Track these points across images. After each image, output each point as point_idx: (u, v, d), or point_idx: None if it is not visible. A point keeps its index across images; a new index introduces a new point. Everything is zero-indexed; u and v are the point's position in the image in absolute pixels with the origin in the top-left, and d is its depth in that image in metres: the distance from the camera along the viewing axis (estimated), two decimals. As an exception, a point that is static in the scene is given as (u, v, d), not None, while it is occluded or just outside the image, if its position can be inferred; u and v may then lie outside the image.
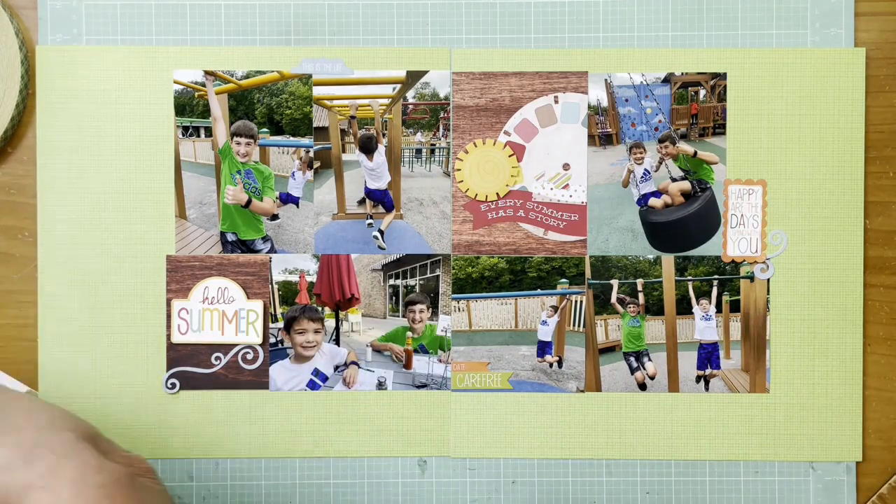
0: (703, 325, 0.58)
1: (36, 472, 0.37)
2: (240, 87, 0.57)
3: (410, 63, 0.57)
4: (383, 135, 0.58)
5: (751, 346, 0.57)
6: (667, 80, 0.57)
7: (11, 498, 0.37)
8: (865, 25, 0.57)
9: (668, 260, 0.57)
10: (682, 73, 0.57)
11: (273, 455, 0.57)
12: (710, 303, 0.58)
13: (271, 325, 0.57)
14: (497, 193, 0.57)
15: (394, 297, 0.58)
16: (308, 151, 0.58)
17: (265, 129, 0.57)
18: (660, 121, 0.58)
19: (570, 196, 0.57)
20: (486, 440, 0.57)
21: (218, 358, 0.57)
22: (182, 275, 0.57)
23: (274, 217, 0.58)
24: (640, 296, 0.58)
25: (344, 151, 0.58)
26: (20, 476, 0.37)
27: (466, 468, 0.57)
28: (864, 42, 0.57)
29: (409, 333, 0.58)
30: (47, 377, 0.56)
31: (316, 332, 0.57)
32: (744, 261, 0.57)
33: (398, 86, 0.57)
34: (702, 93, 0.57)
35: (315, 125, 0.57)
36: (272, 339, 0.57)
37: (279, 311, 0.57)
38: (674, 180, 0.58)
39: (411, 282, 0.58)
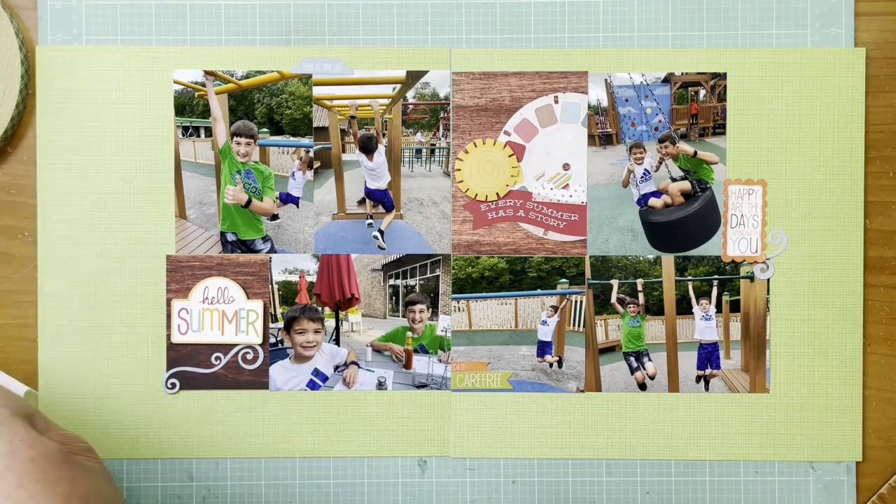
0: (703, 325, 0.58)
1: None
2: (240, 87, 0.57)
3: (410, 63, 0.57)
4: (383, 135, 0.58)
5: (751, 346, 0.57)
6: (667, 80, 0.57)
7: None
8: (865, 25, 0.57)
9: (668, 260, 0.57)
10: (682, 73, 0.57)
11: (273, 455, 0.57)
12: (710, 303, 0.58)
13: (271, 325, 0.57)
14: (497, 193, 0.57)
15: (394, 297, 0.58)
16: (308, 151, 0.58)
17: (265, 129, 0.57)
18: (660, 121, 0.58)
19: (570, 196, 0.57)
20: (486, 440, 0.57)
21: (218, 358, 0.57)
22: (182, 275, 0.57)
23: (274, 217, 0.58)
24: (640, 296, 0.58)
25: (344, 151, 0.58)
26: None
27: (466, 468, 0.57)
28: (864, 42, 0.57)
29: (409, 333, 0.58)
30: (47, 377, 0.56)
31: (316, 332, 0.57)
32: (744, 261, 0.57)
33: (398, 86, 0.57)
34: (702, 93, 0.57)
35: (315, 125, 0.57)
36: (272, 339, 0.57)
37: (279, 311, 0.57)
38: (674, 180, 0.58)
39: (411, 282, 0.58)
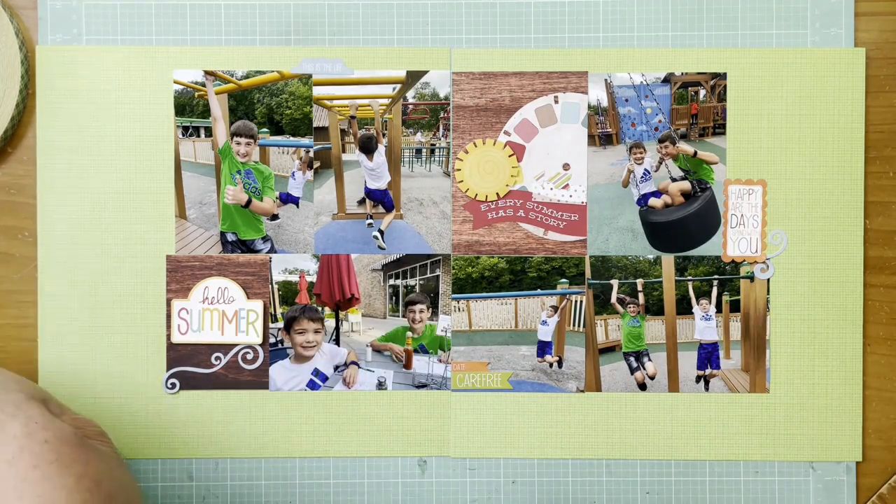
0: (703, 325, 0.58)
1: None
2: (240, 87, 0.57)
3: (410, 63, 0.57)
4: (383, 135, 0.58)
5: (751, 346, 0.57)
6: (667, 80, 0.57)
7: None
8: (865, 25, 0.57)
9: (668, 260, 0.57)
10: (682, 73, 0.57)
11: (273, 455, 0.57)
12: (710, 303, 0.58)
13: (271, 325, 0.57)
14: (497, 193, 0.57)
15: (394, 297, 0.58)
16: (308, 151, 0.58)
17: (265, 129, 0.57)
18: (660, 121, 0.58)
19: (570, 196, 0.57)
20: (486, 440, 0.57)
21: (218, 358, 0.57)
22: (182, 275, 0.57)
23: (274, 217, 0.58)
24: (640, 296, 0.58)
25: (344, 151, 0.58)
26: None
27: (466, 468, 0.57)
28: (864, 42, 0.57)
29: (409, 333, 0.58)
30: (47, 377, 0.56)
31: (316, 332, 0.57)
32: (744, 261, 0.57)
33: (398, 86, 0.57)
34: (702, 93, 0.57)
35: (315, 125, 0.57)
36: (272, 339, 0.57)
37: (279, 311, 0.57)
38: (674, 180, 0.58)
39: (411, 282, 0.58)
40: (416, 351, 0.58)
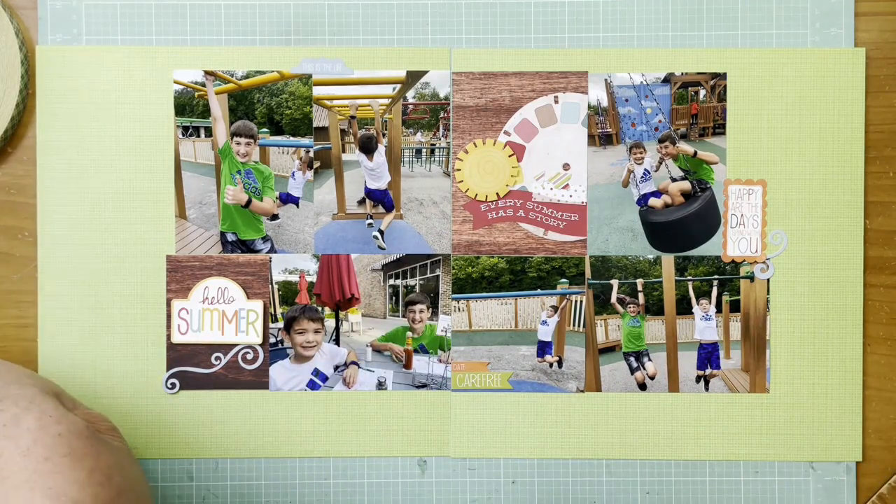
0: (703, 325, 0.58)
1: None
2: (240, 87, 0.57)
3: (410, 63, 0.57)
4: (383, 135, 0.58)
5: (751, 346, 0.57)
6: (667, 80, 0.57)
7: None
8: (865, 25, 0.57)
9: (668, 260, 0.57)
10: (682, 73, 0.57)
11: (273, 455, 0.57)
12: (710, 303, 0.58)
13: (271, 325, 0.57)
14: (497, 193, 0.57)
15: (394, 297, 0.58)
16: (308, 151, 0.58)
17: (265, 129, 0.57)
18: (660, 121, 0.58)
19: (570, 196, 0.57)
20: (486, 440, 0.57)
21: (218, 358, 0.57)
22: (182, 275, 0.57)
23: (274, 217, 0.58)
24: (640, 296, 0.58)
25: (344, 151, 0.58)
26: None
27: (466, 468, 0.57)
28: (864, 42, 0.57)
29: (409, 333, 0.58)
30: (47, 377, 0.56)
31: (316, 332, 0.57)
32: (744, 261, 0.57)
33: (398, 86, 0.57)
34: (702, 93, 0.57)
35: (315, 125, 0.57)
36: (272, 339, 0.57)
37: (279, 311, 0.57)
38: (674, 180, 0.58)
39: (411, 282, 0.58)
40: (416, 351, 0.58)
